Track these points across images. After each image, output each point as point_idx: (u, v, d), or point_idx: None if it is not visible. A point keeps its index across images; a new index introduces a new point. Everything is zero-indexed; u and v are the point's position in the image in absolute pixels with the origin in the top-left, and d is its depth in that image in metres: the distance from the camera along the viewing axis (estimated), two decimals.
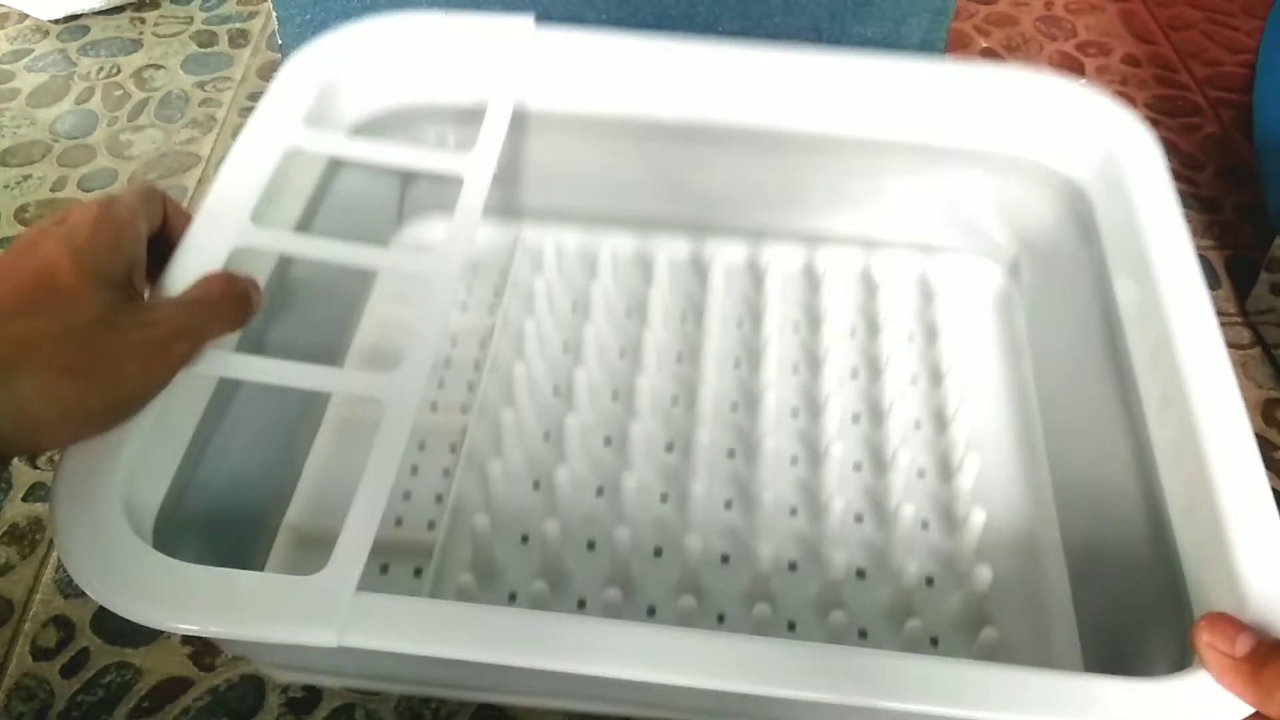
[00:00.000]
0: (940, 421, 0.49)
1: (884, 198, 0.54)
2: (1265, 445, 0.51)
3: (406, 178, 0.55)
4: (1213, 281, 0.60)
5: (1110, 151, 0.48)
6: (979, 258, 0.55)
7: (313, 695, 0.42)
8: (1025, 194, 0.52)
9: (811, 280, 0.55)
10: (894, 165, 0.53)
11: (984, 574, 0.42)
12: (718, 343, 0.51)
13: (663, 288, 0.53)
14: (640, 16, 0.61)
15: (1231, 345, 0.56)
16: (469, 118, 0.48)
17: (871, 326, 0.53)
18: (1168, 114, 0.71)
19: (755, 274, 0.55)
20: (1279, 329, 0.55)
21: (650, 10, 0.61)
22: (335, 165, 0.49)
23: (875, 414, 0.49)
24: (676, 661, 0.32)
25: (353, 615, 0.32)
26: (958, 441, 0.47)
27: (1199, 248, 0.61)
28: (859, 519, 0.46)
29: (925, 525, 0.46)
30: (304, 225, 0.46)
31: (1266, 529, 0.34)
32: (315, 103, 0.47)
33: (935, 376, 0.51)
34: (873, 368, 0.51)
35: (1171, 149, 0.68)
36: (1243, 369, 0.55)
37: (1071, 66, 0.75)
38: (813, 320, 0.53)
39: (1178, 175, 0.66)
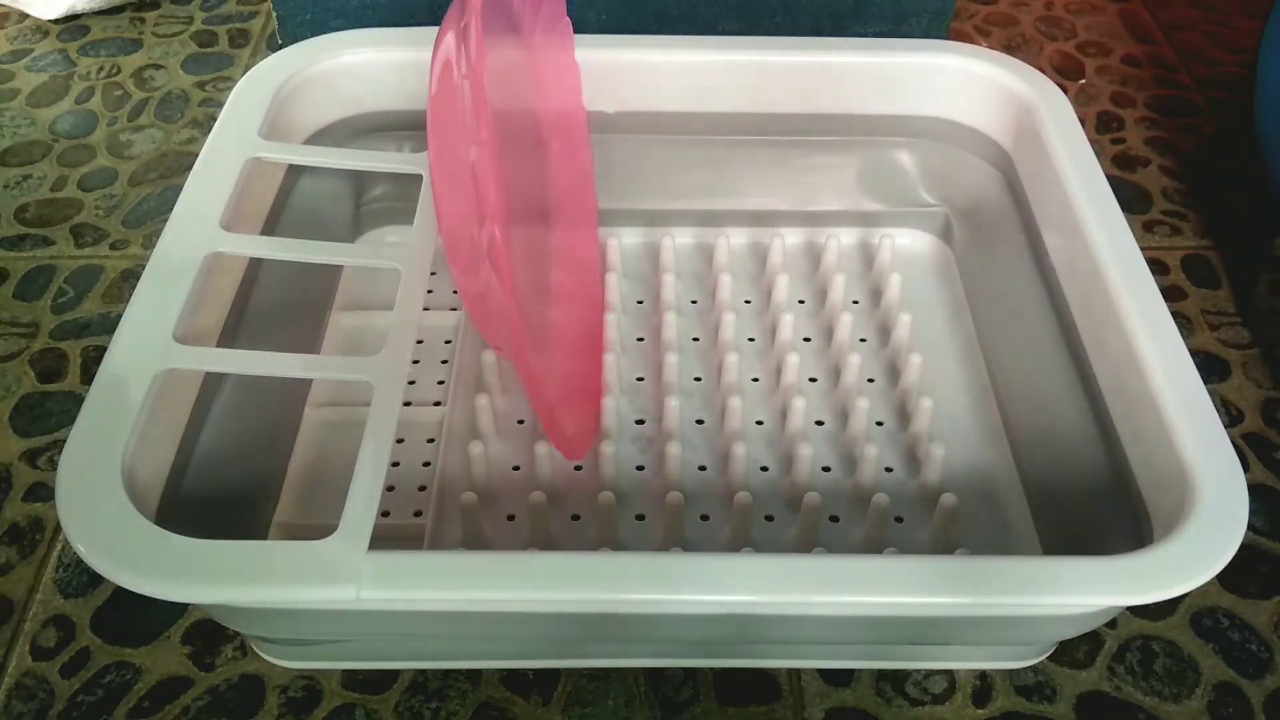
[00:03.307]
0: (892, 375, 0.52)
1: (817, 172, 0.57)
2: (1265, 445, 0.51)
3: (361, 190, 0.58)
4: (1213, 281, 0.60)
5: (1025, 109, 0.52)
6: (911, 222, 0.59)
7: (313, 695, 0.42)
8: (950, 158, 0.56)
9: (759, 256, 0.58)
10: (823, 140, 0.56)
11: (949, 502, 0.44)
12: (676, 321, 0.53)
13: (618, 272, 0.55)
14: (640, 17, 0.61)
15: (1231, 345, 0.56)
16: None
17: (818, 295, 0.56)
18: (1168, 114, 0.71)
19: (705, 254, 0.58)
20: (1279, 329, 0.55)
21: (650, 10, 0.61)
22: (292, 179, 0.51)
23: (831, 374, 0.52)
24: (695, 581, 0.34)
25: (368, 571, 0.33)
26: (910, 391, 0.50)
27: (1199, 248, 0.62)
28: (827, 469, 0.48)
29: (890, 469, 0.48)
30: (267, 235, 0.48)
31: (1209, 431, 0.37)
32: (273, 115, 0.49)
33: (883, 336, 0.54)
34: (824, 333, 0.54)
35: (1171, 149, 0.68)
36: (1243, 369, 0.55)
37: (1071, 66, 0.75)
38: (763, 293, 0.56)
39: (1178, 175, 0.66)
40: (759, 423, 0.50)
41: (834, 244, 0.56)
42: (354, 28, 0.54)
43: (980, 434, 0.50)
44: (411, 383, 0.51)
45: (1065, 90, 0.52)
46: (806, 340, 0.54)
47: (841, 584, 0.33)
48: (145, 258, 0.43)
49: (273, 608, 0.36)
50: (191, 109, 0.69)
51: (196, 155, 0.47)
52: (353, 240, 0.58)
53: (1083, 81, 0.73)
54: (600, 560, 0.35)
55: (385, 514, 0.46)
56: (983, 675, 0.43)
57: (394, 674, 0.42)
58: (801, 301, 0.56)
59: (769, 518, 0.46)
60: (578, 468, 0.48)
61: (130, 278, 0.58)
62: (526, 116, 0.49)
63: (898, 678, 0.42)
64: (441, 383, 0.51)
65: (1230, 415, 0.53)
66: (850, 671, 0.43)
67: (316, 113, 0.53)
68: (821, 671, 0.43)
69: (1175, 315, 0.41)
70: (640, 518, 0.46)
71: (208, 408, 0.43)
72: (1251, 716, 0.42)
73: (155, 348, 0.39)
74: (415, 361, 0.52)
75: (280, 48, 0.54)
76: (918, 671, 0.43)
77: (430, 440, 0.49)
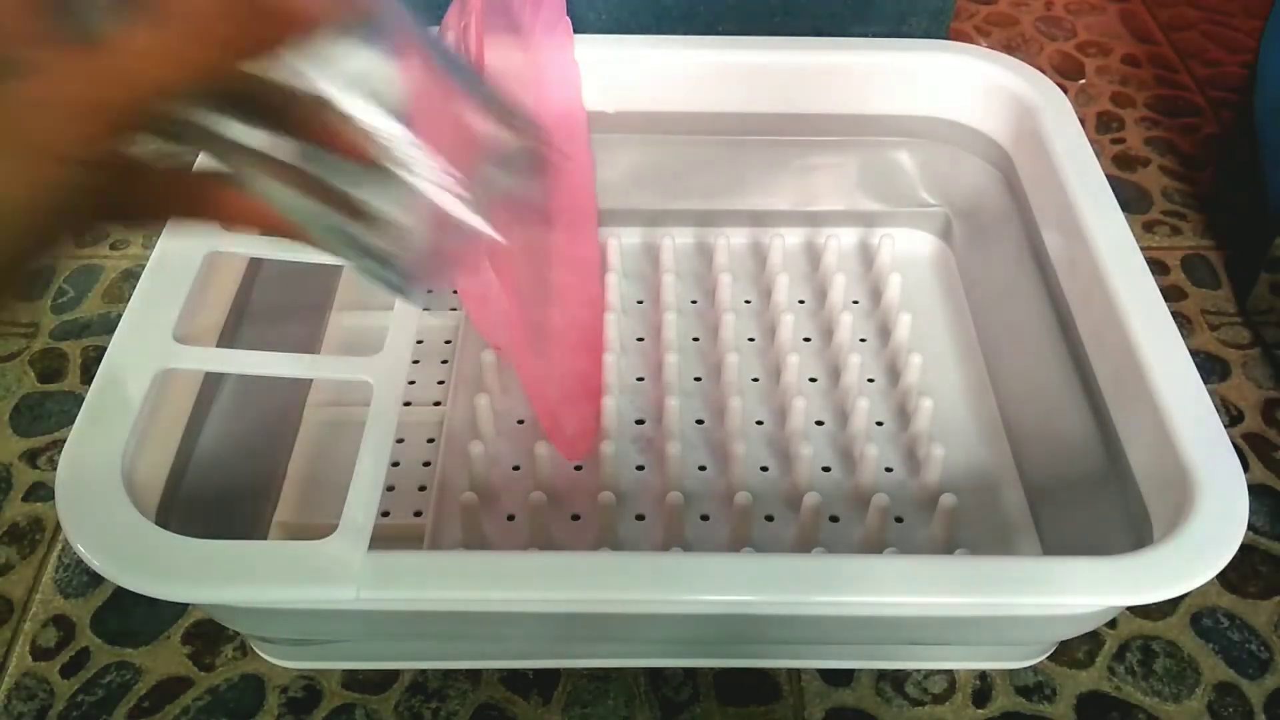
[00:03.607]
0: (892, 375, 0.52)
1: (817, 172, 0.58)
2: (1265, 445, 0.51)
3: None
4: (1213, 281, 0.60)
5: (1025, 109, 0.52)
6: (911, 222, 0.59)
7: (312, 695, 0.42)
8: (950, 158, 0.56)
9: (758, 257, 0.58)
10: (823, 139, 0.56)
11: (949, 502, 0.44)
12: (676, 321, 0.53)
13: (618, 272, 0.55)
14: (640, 17, 0.61)
15: (1231, 345, 0.56)
16: None
17: (818, 295, 0.56)
18: (1168, 114, 0.71)
19: (705, 254, 0.58)
20: (1279, 329, 0.55)
21: (650, 10, 0.61)
22: None
23: (830, 374, 0.52)
24: (695, 581, 0.34)
25: (368, 571, 0.33)
26: (910, 391, 0.50)
27: (1199, 248, 0.62)
28: (827, 469, 0.48)
29: (890, 469, 0.49)
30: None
31: (1209, 431, 0.37)
32: None
33: (883, 336, 0.54)
34: (824, 333, 0.54)
35: (1171, 149, 0.68)
36: (1243, 369, 0.55)
37: (1071, 66, 0.75)
38: (763, 293, 0.56)
39: (1178, 175, 0.66)
40: (759, 423, 0.50)
41: (834, 244, 0.56)
42: None
43: (980, 434, 0.50)
44: (411, 383, 0.51)
45: (1065, 90, 0.52)
46: (806, 340, 0.54)
47: (841, 584, 0.33)
48: (145, 258, 0.43)
49: (273, 608, 0.36)
50: None
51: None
52: None
53: (1083, 81, 0.73)
54: (600, 560, 0.35)
55: (385, 514, 0.46)
56: (983, 675, 0.43)
57: (394, 674, 0.42)
58: (801, 301, 0.56)
59: (769, 518, 0.46)
60: (578, 467, 0.48)
61: (130, 278, 0.58)
62: None
63: (898, 678, 0.42)
64: (441, 383, 0.51)
65: (1230, 415, 0.53)
66: (850, 671, 0.43)
67: None
68: (821, 671, 0.43)
69: (1175, 315, 0.41)
70: (640, 518, 0.46)
71: (208, 408, 0.43)
72: (1251, 716, 0.42)
73: (155, 348, 0.39)
74: (415, 361, 0.52)
75: None
76: (918, 671, 0.43)
77: (430, 440, 0.49)
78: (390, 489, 0.47)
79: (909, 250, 0.58)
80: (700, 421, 0.50)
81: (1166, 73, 0.74)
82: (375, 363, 0.40)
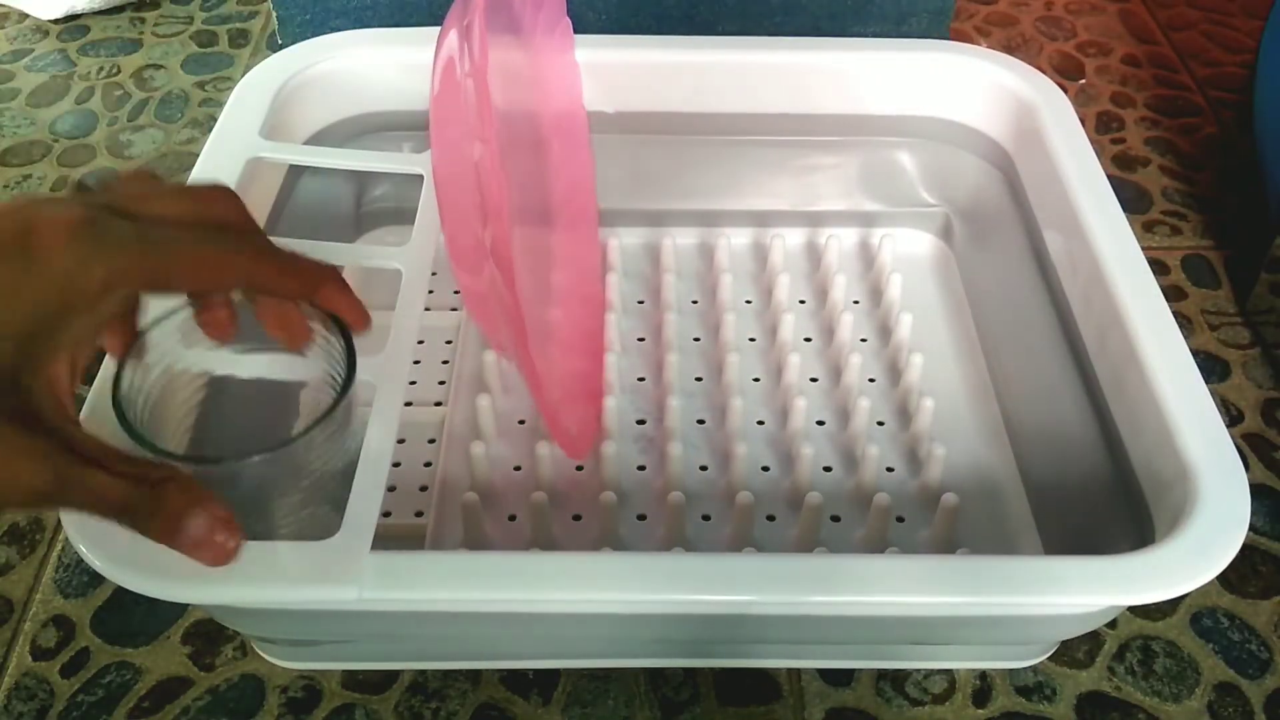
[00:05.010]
0: (893, 375, 0.52)
1: (817, 172, 0.57)
2: (1265, 445, 0.51)
3: (362, 190, 0.58)
4: (1213, 281, 0.60)
5: (1025, 109, 0.52)
6: (911, 222, 0.59)
7: (313, 695, 0.42)
8: (950, 158, 0.56)
9: (759, 256, 0.58)
10: (823, 139, 0.56)
11: (950, 501, 0.44)
12: (677, 321, 0.53)
13: (618, 272, 0.55)
14: (640, 17, 0.61)
15: (1231, 345, 0.56)
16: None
17: (819, 295, 0.56)
18: (1168, 114, 0.71)
19: (705, 254, 0.58)
20: (1279, 329, 0.55)
21: (650, 11, 0.61)
22: (292, 179, 0.51)
23: (831, 374, 0.52)
24: (699, 581, 0.34)
25: (370, 572, 0.33)
26: (911, 391, 0.50)
27: (1199, 248, 0.62)
28: (828, 469, 0.48)
29: (891, 469, 0.49)
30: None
31: (1211, 431, 0.37)
32: (273, 115, 0.49)
33: (883, 336, 0.54)
34: (824, 333, 0.54)
35: (1171, 149, 0.68)
36: (1243, 369, 0.55)
37: (1071, 66, 0.75)
38: (764, 293, 0.56)
39: (1178, 175, 0.66)
40: (760, 422, 0.50)
41: (834, 244, 0.56)
42: (354, 28, 0.54)
43: (981, 434, 0.50)
44: (412, 383, 0.51)
45: (1065, 90, 0.52)
46: (807, 340, 0.54)
47: (843, 584, 0.33)
48: None
49: (274, 608, 0.35)
50: (191, 109, 0.69)
51: (197, 155, 0.47)
52: (353, 240, 0.58)
53: (1083, 81, 0.74)
54: (602, 560, 0.35)
55: (387, 514, 0.46)
56: (983, 675, 0.43)
57: (394, 674, 0.42)
58: (802, 301, 0.56)
59: (770, 517, 0.46)
60: (579, 468, 0.48)
61: None
62: (527, 117, 0.49)
63: (898, 678, 0.42)
64: (443, 383, 0.51)
65: (1230, 415, 0.53)
66: (850, 671, 0.43)
67: (317, 113, 0.53)
68: (821, 671, 0.43)
69: (1175, 315, 0.41)
70: (642, 518, 0.46)
71: (213, 403, 0.42)
72: (1251, 716, 0.42)
73: None
74: (416, 362, 0.52)
75: (280, 48, 0.54)
76: (918, 671, 0.43)
77: (431, 440, 0.49)
78: (391, 489, 0.47)
79: (909, 250, 0.58)
80: (701, 421, 0.50)
81: (1166, 73, 0.74)
82: (376, 363, 0.40)
